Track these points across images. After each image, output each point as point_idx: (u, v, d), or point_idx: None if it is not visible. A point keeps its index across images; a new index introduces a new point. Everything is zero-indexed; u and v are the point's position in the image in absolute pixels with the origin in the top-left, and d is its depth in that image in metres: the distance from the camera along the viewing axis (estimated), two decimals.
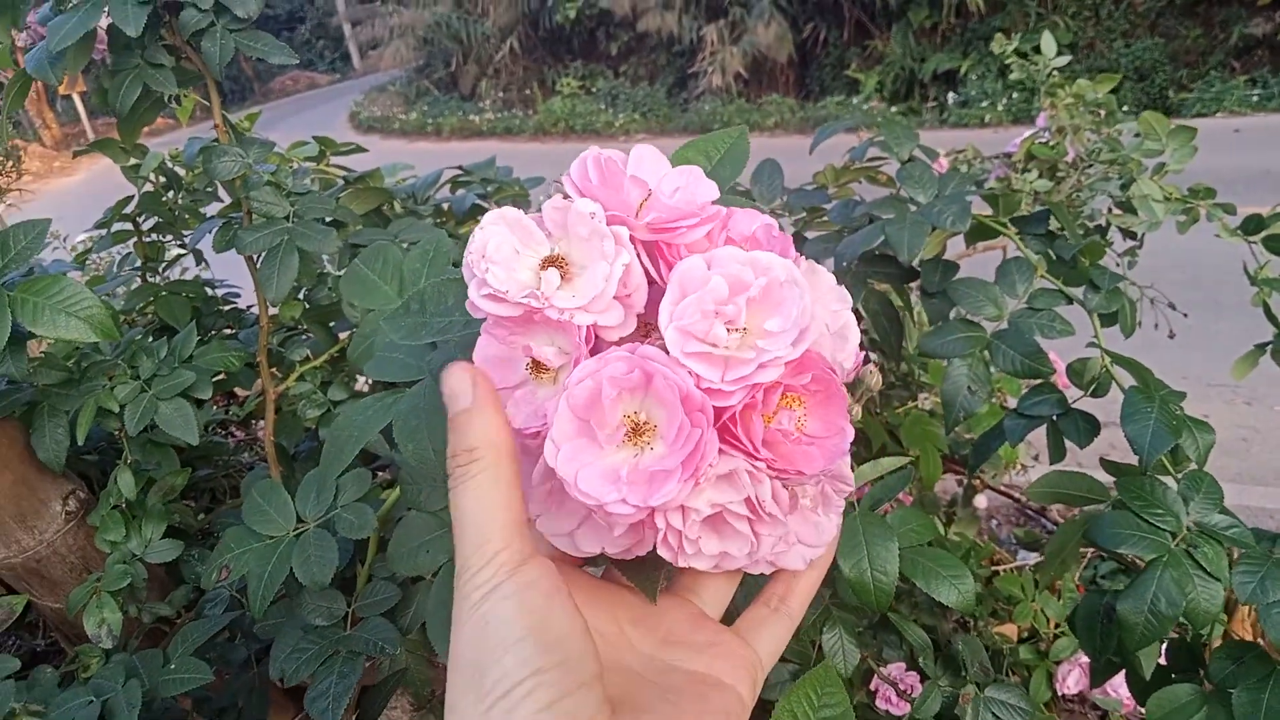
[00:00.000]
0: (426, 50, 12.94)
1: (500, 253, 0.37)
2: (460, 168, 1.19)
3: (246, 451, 1.70)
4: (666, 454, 0.34)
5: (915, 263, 1.07)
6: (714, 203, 0.45)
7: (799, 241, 1.20)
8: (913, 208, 1.01)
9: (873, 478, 0.76)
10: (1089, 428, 0.90)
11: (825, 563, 0.42)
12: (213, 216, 0.99)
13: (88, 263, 1.35)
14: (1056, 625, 1.28)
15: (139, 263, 1.32)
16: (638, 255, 0.38)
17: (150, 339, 0.91)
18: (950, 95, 8.61)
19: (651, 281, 0.39)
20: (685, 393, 0.34)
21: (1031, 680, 1.19)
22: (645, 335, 0.40)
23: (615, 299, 0.37)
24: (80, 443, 0.87)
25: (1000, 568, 1.44)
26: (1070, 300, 0.95)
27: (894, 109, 8.84)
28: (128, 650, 0.94)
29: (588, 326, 0.36)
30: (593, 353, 0.37)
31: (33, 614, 1.31)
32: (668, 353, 0.35)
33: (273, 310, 0.96)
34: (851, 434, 0.38)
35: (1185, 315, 1.40)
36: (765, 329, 0.35)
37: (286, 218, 0.86)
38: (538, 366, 0.38)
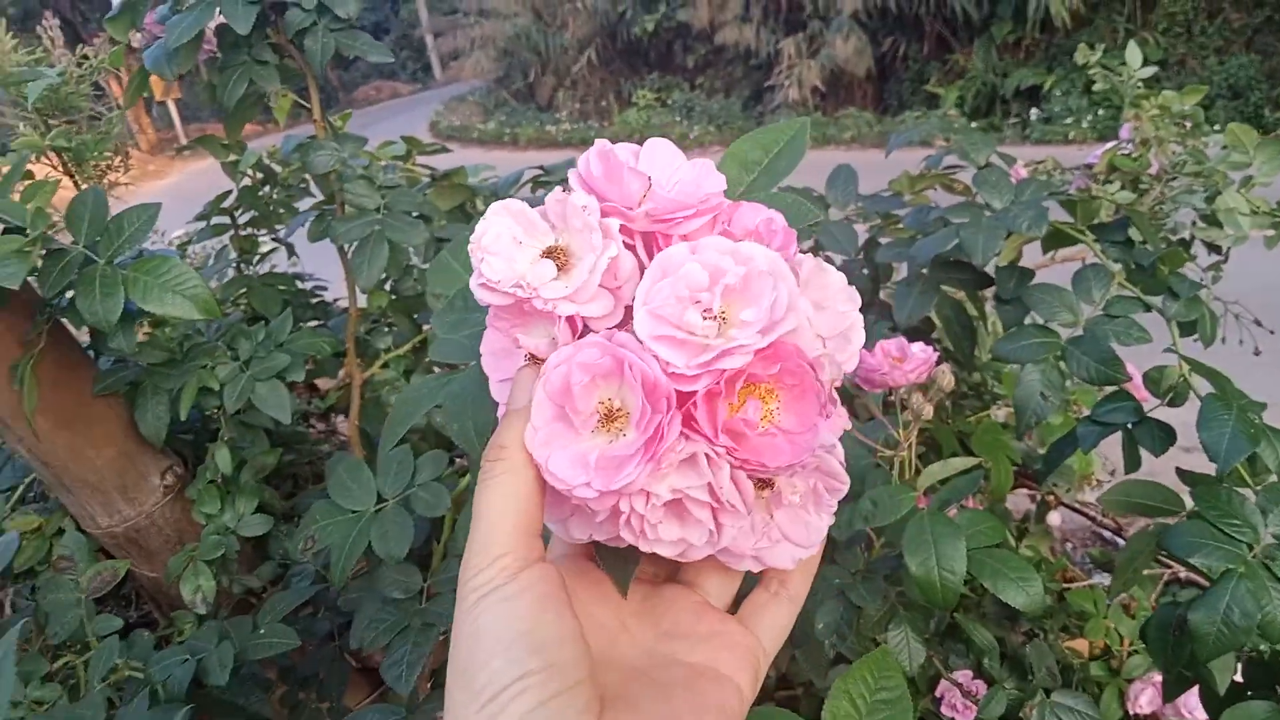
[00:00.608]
0: (506, 61, 13.16)
1: (498, 243, 0.38)
2: (540, 167, 1.23)
3: (325, 443, 1.76)
4: (633, 439, 0.35)
5: (990, 269, 1.07)
6: (758, 197, 0.46)
7: (872, 247, 1.21)
8: (988, 213, 1.01)
9: (941, 478, 0.77)
10: (1165, 436, 0.89)
11: (819, 548, 0.41)
12: (306, 210, 1.04)
13: (186, 255, 1.42)
14: (1130, 644, 1.26)
15: (234, 255, 1.39)
16: (635, 248, 0.38)
17: (249, 324, 0.96)
18: (1033, 111, 8.44)
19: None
20: (649, 378, 0.34)
21: (1102, 698, 1.17)
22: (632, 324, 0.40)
23: (605, 290, 0.37)
24: (184, 418, 0.93)
25: (1073, 585, 1.42)
26: (1148, 308, 0.94)
27: (974, 125, 8.71)
28: (218, 618, 0.99)
29: (571, 317, 0.36)
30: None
31: (127, 587, 1.38)
32: (636, 336, 0.35)
33: (361, 301, 1.00)
34: (827, 430, 0.37)
35: (1272, 332, 1.36)
36: (741, 319, 0.35)
37: (377, 210, 0.90)
38: (534, 358, 0.38)
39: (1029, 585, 0.73)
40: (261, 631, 0.85)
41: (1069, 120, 7.99)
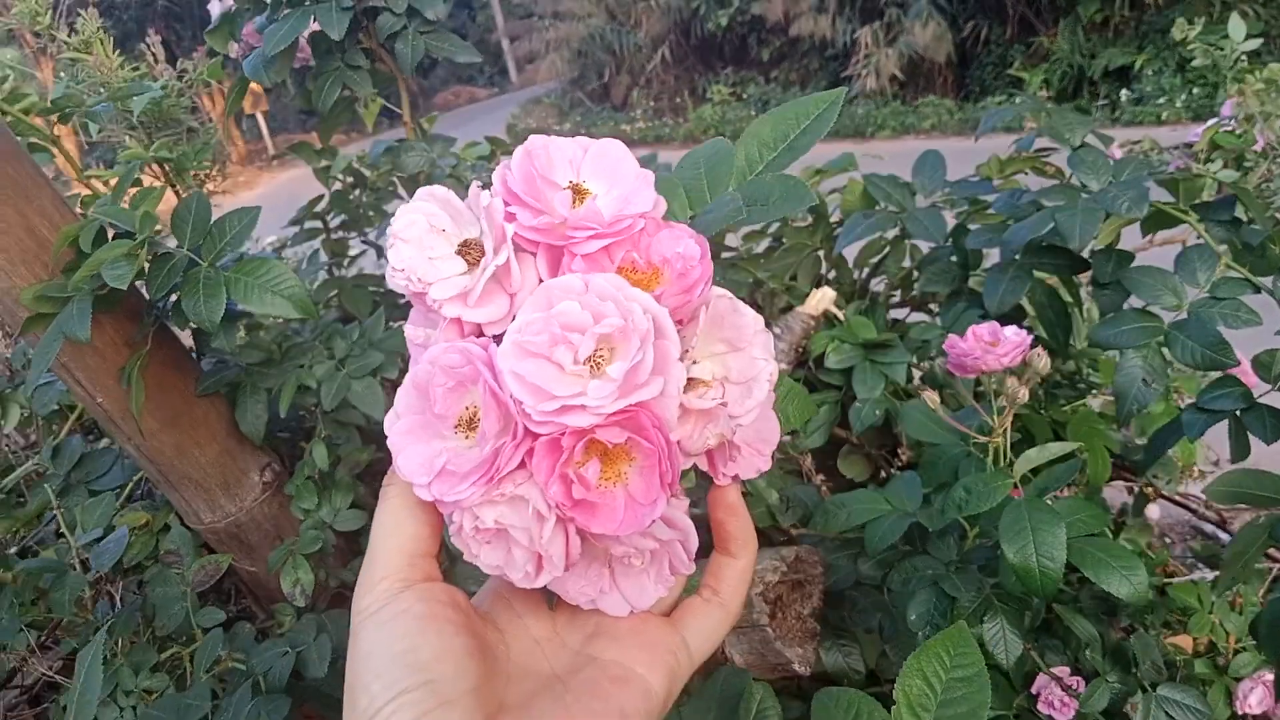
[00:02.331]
0: (580, 63, 13.25)
1: (411, 230, 0.37)
2: None
3: None
4: (478, 455, 0.34)
5: (1086, 253, 1.03)
6: (760, 184, 0.44)
7: (960, 233, 1.18)
8: (1085, 195, 0.98)
9: (1038, 463, 0.75)
10: (1277, 423, 0.85)
11: (743, 566, 0.42)
12: (371, 206, 1.06)
13: (282, 258, 1.47)
14: (1236, 641, 1.20)
15: (325, 258, 1.43)
16: (535, 256, 0.37)
17: (342, 325, 0.99)
18: (1123, 92, 8.15)
19: None
20: (502, 402, 0.33)
21: (1208, 696, 1.12)
22: None
23: (501, 295, 0.36)
24: (283, 415, 0.96)
25: (1175, 580, 1.36)
26: (1258, 289, 0.90)
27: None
28: (315, 611, 1.02)
29: (457, 319, 0.35)
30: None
31: (227, 582, 1.43)
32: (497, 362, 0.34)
33: None
34: (662, 508, 0.35)
35: None
36: (607, 372, 0.33)
37: None
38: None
39: (1133, 575, 0.71)
40: None
41: (1161, 100, 7.69)
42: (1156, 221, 1.01)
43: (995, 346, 0.76)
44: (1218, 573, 1.43)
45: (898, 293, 1.43)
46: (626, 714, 0.35)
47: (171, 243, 0.87)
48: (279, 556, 0.96)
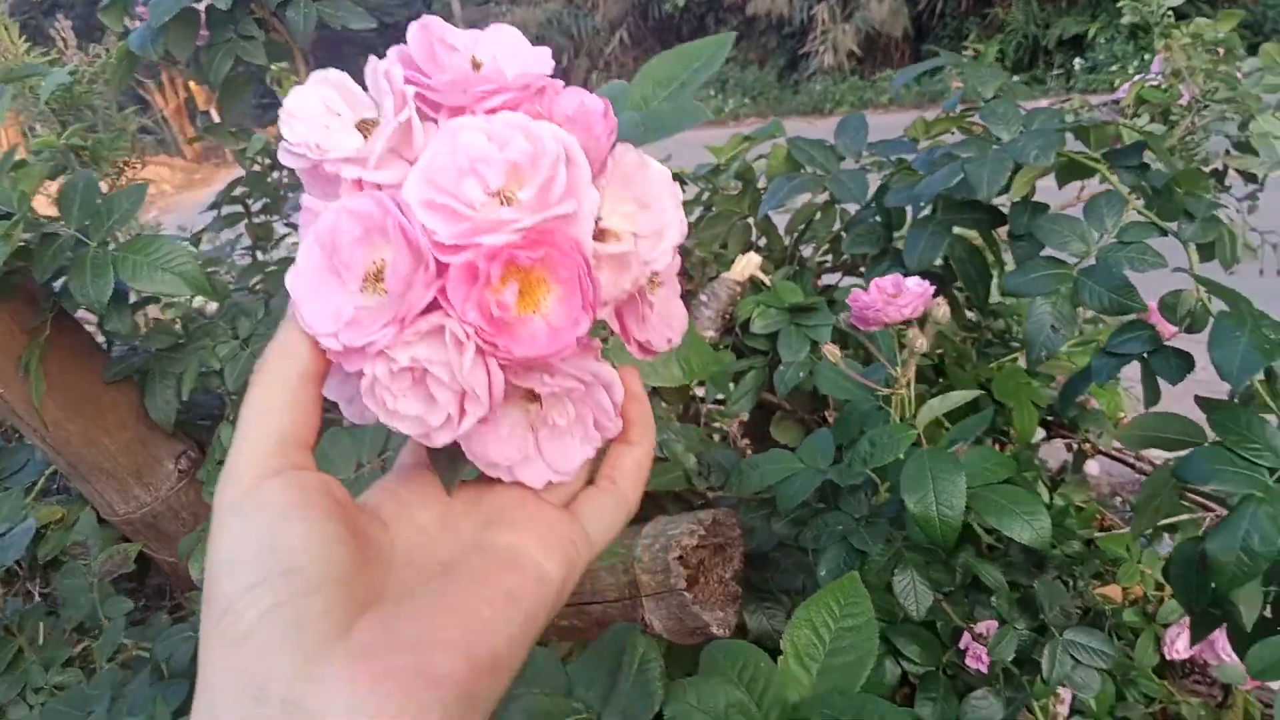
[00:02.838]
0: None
1: (307, 109, 0.36)
2: None
3: None
4: (385, 300, 0.33)
5: (1005, 206, 1.03)
6: (665, 108, 0.45)
7: (883, 193, 1.18)
8: (995, 146, 0.97)
9: (941, 412, 0.74)
10: (1182, 364, 0.85)
11: (641, 453, 0.41)
12: (293, 188, 1.04)
13: (201, 244, 1.44)
14: (1168, 590, 1.22)
15: (250, 243, 1.40)
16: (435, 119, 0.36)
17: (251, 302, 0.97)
18: (1077, 61, 8.21)
19: None
20: (411, 236, 0.33)
21: (1138, 643, 1.14)
22: None
23: (397, 158, 0.35)
24: (184, 398, 0.94)
25: (1108, 533, 1.38)
26: (1164, 233, 0.89)
27: (1016, 78, 8.48)
28: None
29: (357, 180, 0.34)
30: None
31: (162, 578, 1.40)
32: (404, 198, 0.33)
33: None
34: (585, 328, 0.35)
35: None
36: (519, 197, 0.33)
37: None
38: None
39: (1035, 520, 0.71)
40: None
41: (1114, 68, 7.75)
42: (1070, 171, 1.01)
43: (896, 298, 0.76)
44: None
45: (830, 258, 1.43)
46: (515, 596, 0.34)
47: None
48: (189, 543, 0.94)
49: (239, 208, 1.37)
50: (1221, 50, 1.46)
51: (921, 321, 0.76)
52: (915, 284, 0.77)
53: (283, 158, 0.35)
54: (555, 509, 0.38)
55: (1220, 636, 0.98)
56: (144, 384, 1.01)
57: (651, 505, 1.02)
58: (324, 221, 0.34)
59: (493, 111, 0.35)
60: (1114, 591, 1.19)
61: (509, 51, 0.38)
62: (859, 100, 9.13)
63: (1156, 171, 0.94)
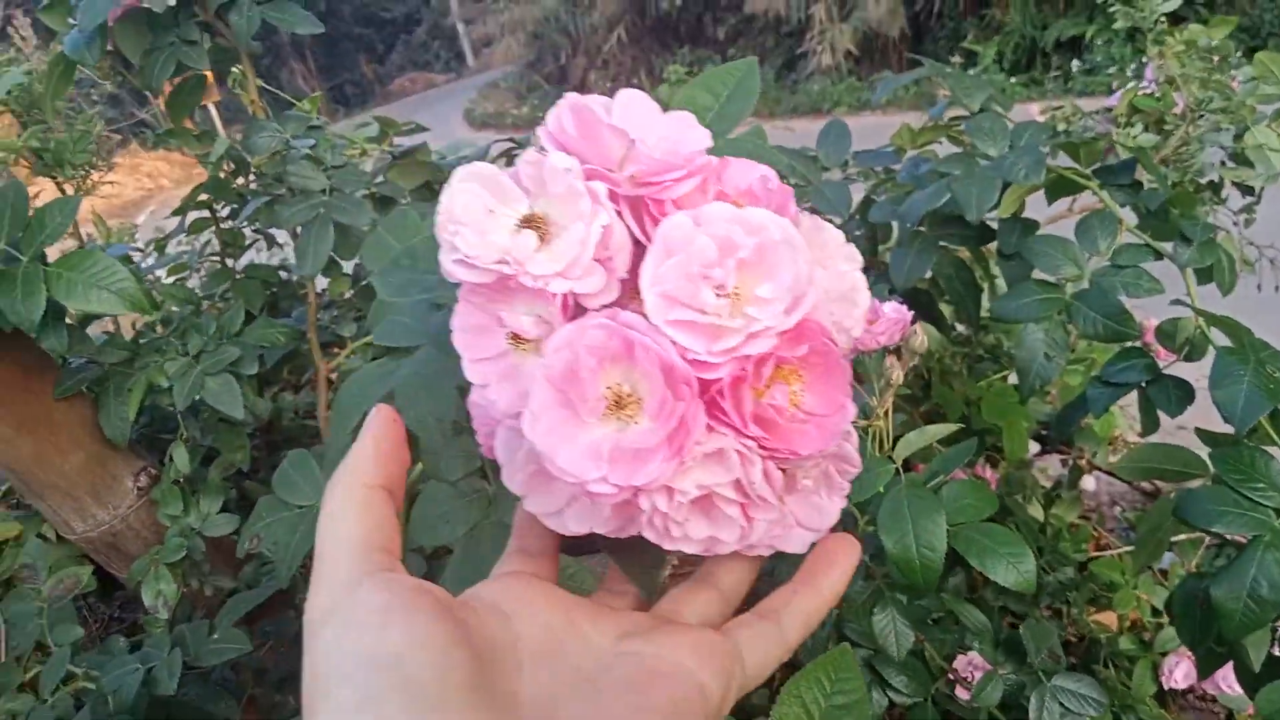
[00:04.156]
0: (537, 45, 13.14)
1: (470, 214, 0.34)
2: (511, 139, 1.18)
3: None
4: (650, 429, 0.32)
5: (993, 223, 0.99)
6: (717, 144, 0.42)
7: (868, 206, 1.14)
8: (984, 162, 0.93)
9: (919, 446, 0.70)
10: (1182, 395, 0.81)
11: (819, 603, 0.37)
12: (259, 194, 1.00)
13: (166, 249, 1.40)
14: (1164, 616, 1.18)
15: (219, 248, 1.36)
16: (620, 214, 0.35)
17: (200, 317, 0.92)
18: (1074, 63, 8.17)
19: (636, 242, 0.36)
20: (667, 364, 0.31)
21: (1134, 672, 1.10)
22: (631, 300, 0.37)
23: (595, 262, 0.34)
24: (133, 417, 0.90)
25: (1105, 553, 1.34)
26: (1160, 256, 0.86)
27: (1014, 80, 8.45)
28: (192, 621, 0.96)
29: (565, 294, 0.33)
30: (572, 321, 0.34)
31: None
32: (650, 320, 0.32)
33: (322, 287, 0.96)
34: (853, 412, 0.34)
35: None
36: (757, 295, 0.32)
37: (323, 191, 0.86)
38: (517, 337, 0.35)
39: (1020, 563, 0.67)
40: (215, 636, 0.82)
41: (1112, 70, 7.69)
42: (1060, 188, 0.97)
43: (873, 324, 0.72)
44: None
45: None
46: (680, 710, 0.29)
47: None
48: (141, 568, 0.90)
49: (206, 213, 1.33)
50: (1216, 58, 1.42)
51: (898, 351, 0.72)
52: (893, 310, 0.73)
53: (453, 270, 0.34)
54: (705, 630, 0.35)
55: (1224, 669, 0.94)
56: (98, 399, 0.97)
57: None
58: (557, 361, 0.32)
59: (678, 201, 0.34)
60: (1109, 618, 1.15)
61: (645, 120, 0.37)
62: (856, 101, 9.09)
63: (1150, 190, 0.91)
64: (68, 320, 0.87)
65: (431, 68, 19.19)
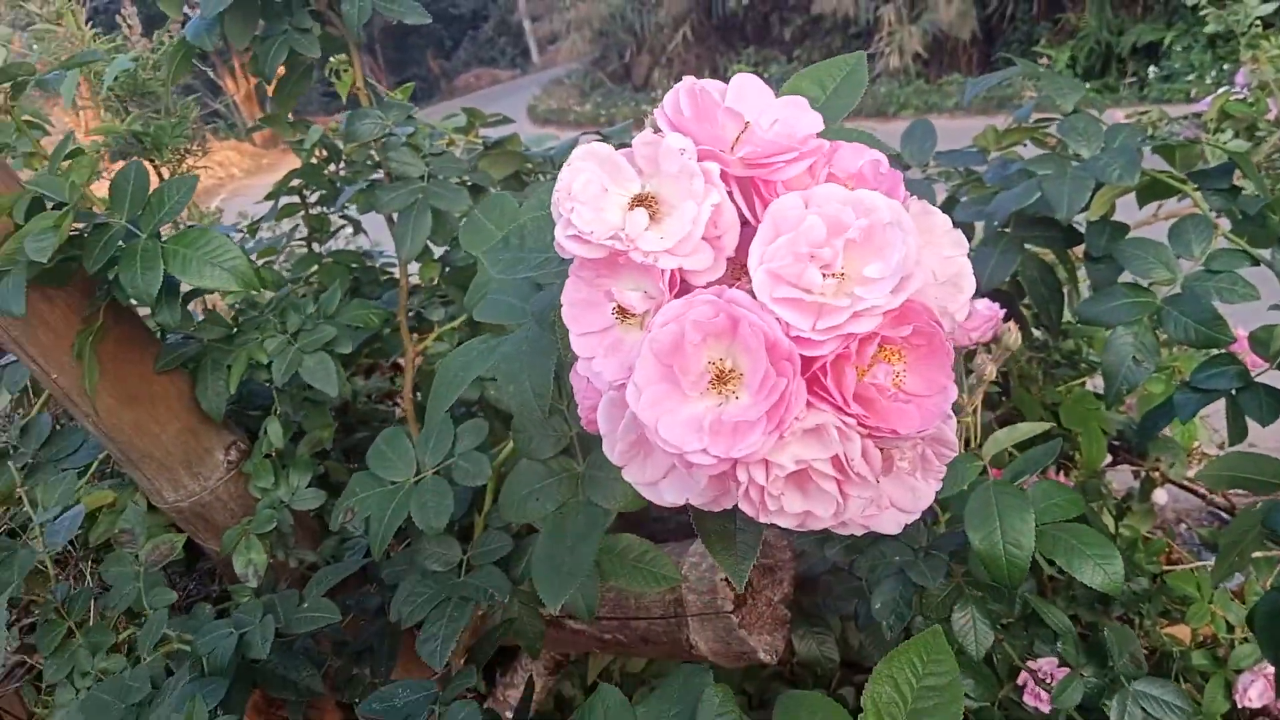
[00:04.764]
0: (602, 43, 13.17)
1: (587, 191, 0.36)
2: (598, 131, 1.19)
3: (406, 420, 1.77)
4: (751, 404, 0.33)
5: (1080, 224, 0.99)
6: (823, 136, 0.42)
7: (951, 206, 1.13)
8: (1075, 163, 0.93)
9: (1007, 445, 0.70)
10: (1273, 403, 0.80)
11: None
12: (351, 180, 1.03)
13: (258, 233, 1.44)
14: (1240, 631, 1.16)
15: (306, 233, 1.40)
16: (730, 193, 0.36)
17: (301, 296, 0.96)
18: (1151, 70, 7.96)
19: (745, 222, 0.37)
20: (771, 340, 0.32)
21: (1206, 689, 1.08)
22: (736, 279, 0.38)
23: (704, 240, 0.35)
24: (232, 391, 0.93)
25: (1176, 567, 1.31)
26: (1256, 262, 0.84)
27: (1088, 85, 8.27)
28: (276, 592, 0.99)
29: (673, 270, 0.35)
30: (679, 297, 0.35)
31: (212, 563, 1.41)
32: (756, 297, 0.33)
33: (413, 274, 0.99)
34: (954, 394, 0.35)
35: None
36: (864, 275, 0.33)
37: (422, 178, 0.89)
38: (623, 311, 0.37)
39: (1108, 564, 0.66)
40: (305, 606, 0.85)
41: (1191, 77, 7.50)
42: (1152, 191, 0.96)
43: (965, 321, 0.72)
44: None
45: None
46: None
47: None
48: (233, 537, 0.94)
49: (296, 198, 1.37)
50: None
51: (990, 346, 0.72)
52: (985, 306, 0.73)
53: (567, 245, 0.35)
54: None
55: None
56: (195, 374, 1.01)
57: None
58: (663, 335, 0.33)
59: (788, 183, 0.35)
60: (1182, 632, 1.13)
61: (759, 104, 0.38)
62: (924, 104, 8.97)
63: (1247, 195, 0.89)
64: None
65: (497, 64, 19.36)
